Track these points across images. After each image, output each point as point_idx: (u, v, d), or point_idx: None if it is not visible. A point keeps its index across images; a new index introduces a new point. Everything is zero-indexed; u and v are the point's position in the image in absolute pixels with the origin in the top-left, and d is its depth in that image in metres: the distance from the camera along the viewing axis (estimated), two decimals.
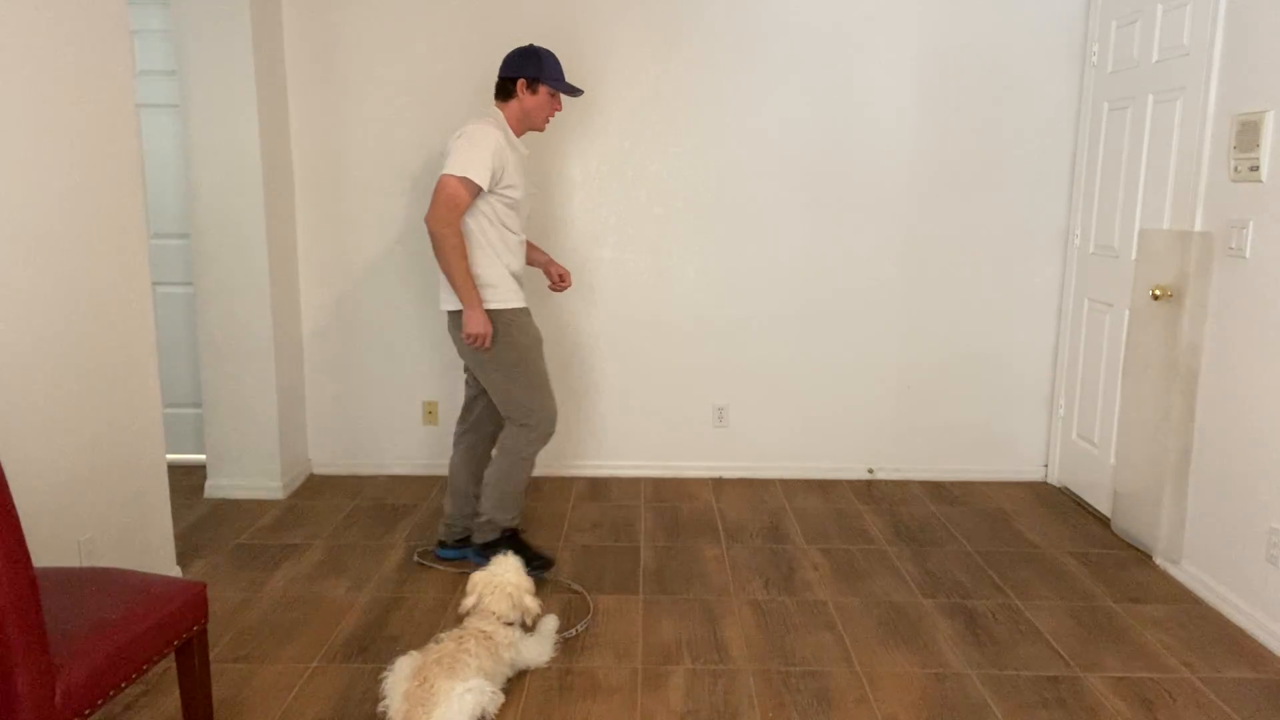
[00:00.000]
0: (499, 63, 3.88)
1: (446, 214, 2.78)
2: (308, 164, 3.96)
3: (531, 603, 2.51)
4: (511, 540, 3.10)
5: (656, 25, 3.85)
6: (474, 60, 3.87)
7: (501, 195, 2.89)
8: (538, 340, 3.04)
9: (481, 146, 2.80)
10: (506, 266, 2.95)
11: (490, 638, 2.39)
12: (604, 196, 3.98)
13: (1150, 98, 3.38)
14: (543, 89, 2.95)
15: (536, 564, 3.08)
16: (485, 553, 3.04)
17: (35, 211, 2.36)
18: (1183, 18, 3.17)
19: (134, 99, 2.74)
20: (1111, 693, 2.46)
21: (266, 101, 3.67)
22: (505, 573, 2.53)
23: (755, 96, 3.89)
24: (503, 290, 2.94)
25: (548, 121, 3.02)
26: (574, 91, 3.03)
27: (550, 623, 2.69)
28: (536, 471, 4.17)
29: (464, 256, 2.82)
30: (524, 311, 3.01)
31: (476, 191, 2.82)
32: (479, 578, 2.53)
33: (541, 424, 3.04)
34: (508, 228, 2.95)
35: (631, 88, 3.89)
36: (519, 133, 2.99)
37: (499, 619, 2.45)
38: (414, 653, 2.34)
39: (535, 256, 3.32)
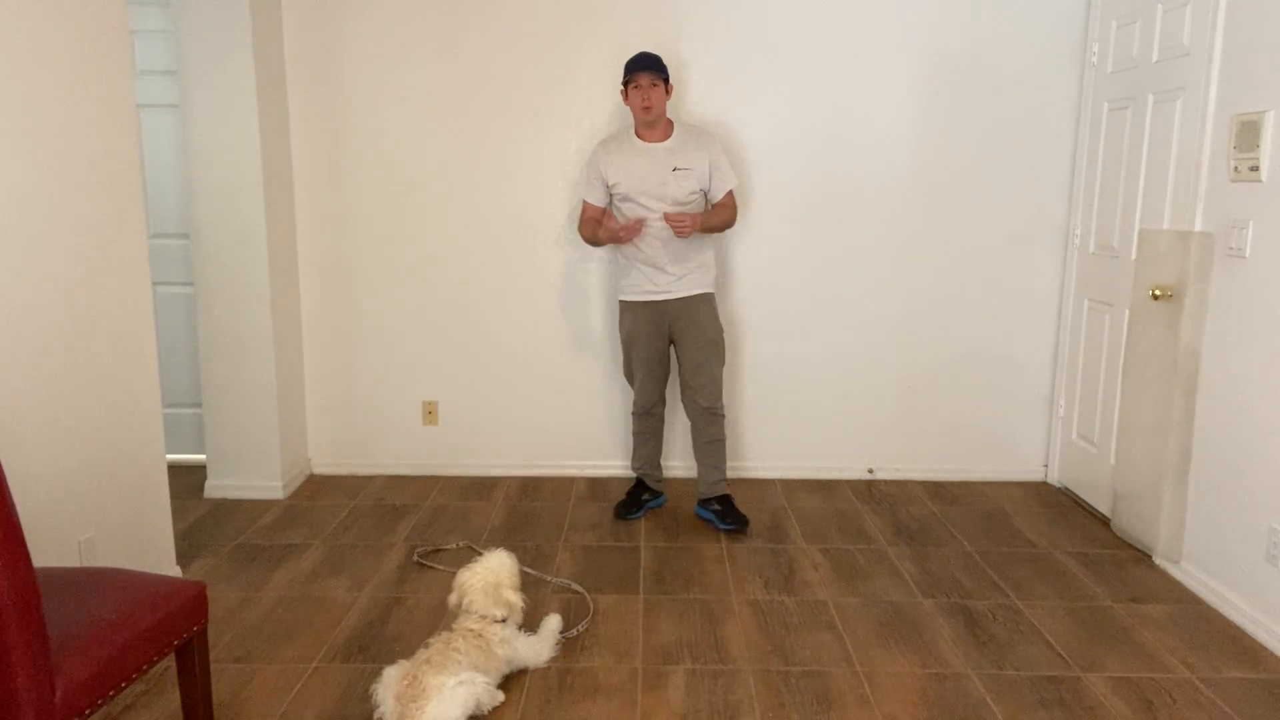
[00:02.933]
0: (495, 62, 3.88)
1: (580, 225, 3.59)
2: (308, 164, 3.96)
3: (513, 597, 2.49)
4: (634, 488, 3.77)
5: (655, 26, 3.84)
6: (473, 60, 3.87)
7: (616, 193, 3.46)
8: (630, 335, 3.56)
9: (584, 170, 3.64)
10: (633, 259, 3.48)
11: (480, 635, 2.39)
12: None
13: (1150, 98, 3.38)
14: (626, 91, 3.42)
15: (624, 510, 3.69)
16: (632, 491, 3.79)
17: (35, 211, 2.36)
18: (1183, 18, 3.17)
19: (134, 99, 2.74)
20: (1111, 693, 2.46)
21: (266, 101, 3.67)
22: (488, 569, 2.53)
23: (754, 97, 3.88)
24: (624, 286, 3.57)
25: (645, 109, 3.37)
26: (630, 71, 3.36)
27: (553, 622, 2.69)
28: (536, 471, 4.17)
29: (591, 237, 3.55)
30: (633, 306, 3.53)
31: (592, 204, 3.52)
32: (463, 576, 2.54)
33: (635, 390, 3.66)
34: (630, 218, 3.44)
35: None
36: (640, 131, 3.47)
37: (484, 617, 2.45)
38: (402, 661, 2.34)
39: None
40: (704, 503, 3.65)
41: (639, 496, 3.73)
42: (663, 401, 3.68)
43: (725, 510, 3.58)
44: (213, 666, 2.51)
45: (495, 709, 2.35)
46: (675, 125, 3.49)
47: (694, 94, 3.88)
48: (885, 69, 3.87)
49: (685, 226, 3.33)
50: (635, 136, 3.47)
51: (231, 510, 3.71)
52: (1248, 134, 2.82)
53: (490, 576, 2.50)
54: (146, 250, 2.81)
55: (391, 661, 2.45)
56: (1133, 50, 3.50)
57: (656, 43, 3.84)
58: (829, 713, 2.36)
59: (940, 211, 3.98)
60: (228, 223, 3.66)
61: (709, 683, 2.49)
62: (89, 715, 1.76)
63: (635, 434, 3.74)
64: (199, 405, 4.16)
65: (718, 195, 3.52)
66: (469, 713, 2.22)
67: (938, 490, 4.03)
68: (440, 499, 3.88)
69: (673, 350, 3.62)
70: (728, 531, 3.53)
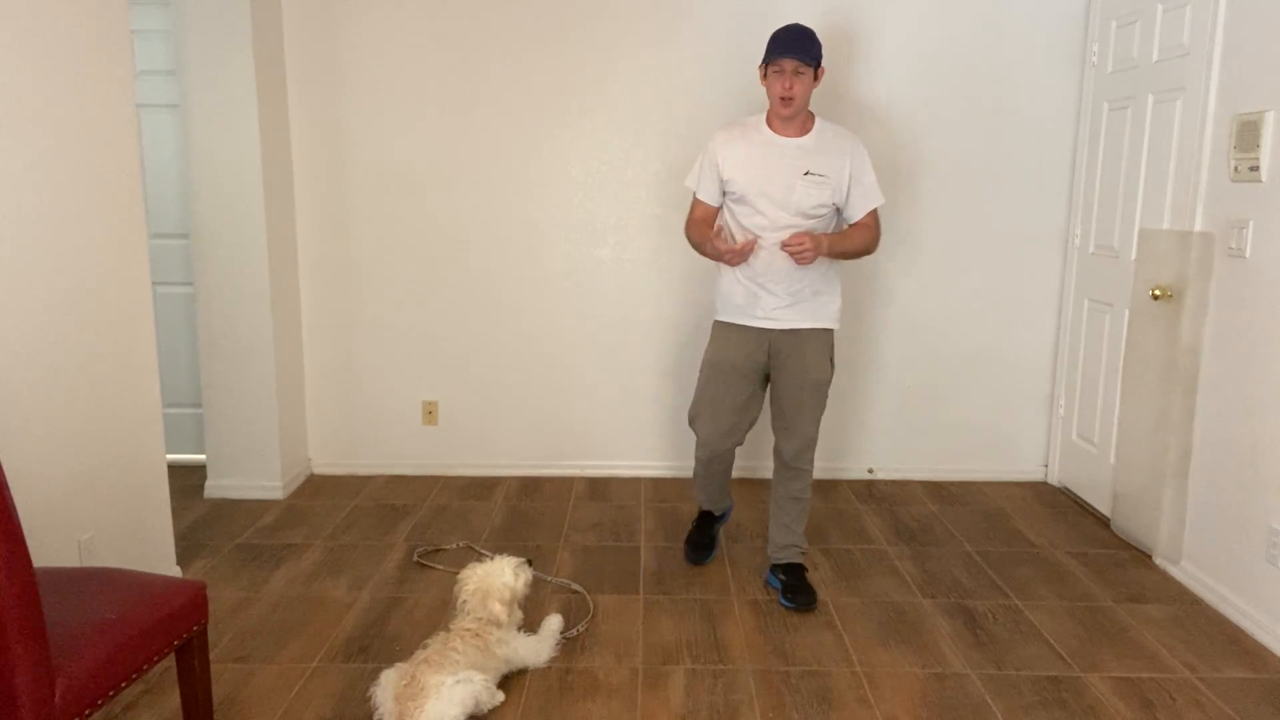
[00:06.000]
0: (496, 60, 3.88)
1: (687, 224, 2.98)
2: (308, 164, 3.96)
3: (497, 609, 2.45)
4: (702, 518, 3.29)
5: (656, 25, 3.84)
6: (474, 59, 3.87)
7: (729, 192, 2.88)
8: (717, 362, 2.93)
9: (698, 159, 2.95)
10: (737, 272, 2.87)
11: (478, 635, 2.39)
12: (604, 196, 3.98)
13: (1150, 98, 3.38)
14: (765, 72, 2.82)
15: (696, 552, 3.23)
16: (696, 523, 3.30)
17: (35, 212, 2.35)
18: (1183, 18, 3.17)
19: (134, 99, 2.74)
20: (1111, 693, 2.46)
21: (266, 101, 3.67)
22: (486, 574, 2.51)
23: (754, 95, 3.88)
24: (719, 303, 2.97)
25: (784, 100, 2.76)
26: (773, 53, 2.75)
27: (553, 622, 2.69)
28: (536, 471, 4.17)
29: (700, 243, 2.88)
30: (728, 329, 2.93)
31: (704, 201, 2.92)
32: (464, 576, 2.53)
33: (698, 432, 3.01)
34: (744, 226, 2.85)
35: (632, 87, 3.89)
36: (774, 122, 2.85)
37: (480, 618, 2.44)
38: (400, 664, 2.33)
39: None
40: (773, 569, 3.05)
41: (710, 529, 3.25)
42: (733, 451, 3.04)
43: (792, 583, 2.95)
44: (213, 666, 2.51)
45: (495, 709, 2.35)
46: (816, 121, 2.87)
47: (695, 93, 3.88)
48: (884, 69, 3.87)
49: (808, 253, 2.69)
50: (766, 125, 2.85)
51: (231, 510, 3.71)
52: (1248, 134, 2.82)
53: (483, 583, 2.49)
54: (146, 250, 2.81)
55: (391, 662, 2.45)
56: (1133, 50, 3.50)
57: (656, 43, 3.85)
58: (829, 713, 2.36)
59: (940, 211, 3.98)
60: (228, 223, 3.66)
61: (709, 683, 2.49)
62: (89, 715, 1.75)
63: (702, 476, 3.13)
64: (199, 405, 4.16)
65: (856, 214, 2.86)
66: (468, 711, 2.22)
67: (938, 490, 4.03)
68: (440, 499, 3.88)
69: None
70: (788, 609, 2.92)
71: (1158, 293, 3.20)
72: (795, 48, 2.72)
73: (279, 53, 3.81)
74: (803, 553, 3.05)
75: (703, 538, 3.25)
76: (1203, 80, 3.05)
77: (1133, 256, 3.46)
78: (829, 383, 2.92)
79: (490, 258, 4.02)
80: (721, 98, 3.88)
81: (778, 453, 2.99)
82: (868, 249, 2.88)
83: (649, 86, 3.89)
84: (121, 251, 2.69)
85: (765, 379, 2.95)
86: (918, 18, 3.84)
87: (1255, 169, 2.79)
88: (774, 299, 2.84)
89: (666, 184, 3.94)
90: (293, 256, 3.98)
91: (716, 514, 3.27)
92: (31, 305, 2.35)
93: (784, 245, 2.71)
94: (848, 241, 2.84)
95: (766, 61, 2.77)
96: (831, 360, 2.93)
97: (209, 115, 3.59)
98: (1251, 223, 2.83)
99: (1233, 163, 2.90)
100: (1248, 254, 2.84)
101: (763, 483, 4.06)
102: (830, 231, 2.87)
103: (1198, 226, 3.08)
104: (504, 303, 4.06)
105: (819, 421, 2.95)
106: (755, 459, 4.15)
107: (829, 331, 2.90)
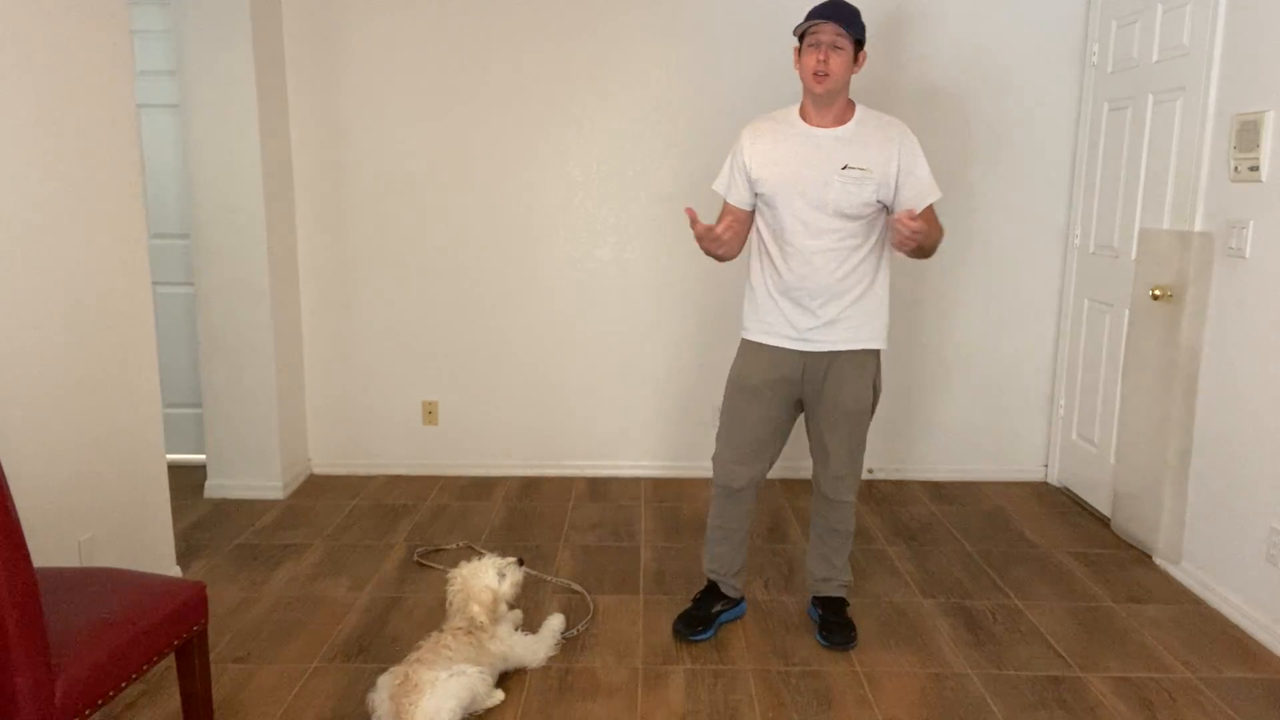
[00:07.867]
0: (496, 60, 3.88)
1: None
2: (308, 164, 3.96)
3: (476, 611, 2.42)
4: (705, 592, 2.80)
5: (657, 25, 3.84)
6: (473, 59, 3.87)
7: (760, 193, 2.54)
8: (740, 383, 2.62)
9: (727, 161, 2.63)
10: (767, 284, 2.57)
11: (470, 633, 2.39)
12: (604, 196, 3.98)
13: (1150, 98, 3.38)
14: (800, 47, 2.49)
15: (688, 627, 2.71)
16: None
17: (35, 211, 2.35)
18: (1183, 18, 3.17)
19: (134, 99, 2.74)
20: (1111, 693, 2.46)
21: (266, 101, 3.67)
22: (472, 574, 2.49)
23: (759, 94, 3.88)
24: (747, 319, 2.64)
25: (818, 76, 2.43)
26: (809, 17, 2.43)
27: (555, 622, 2.69)
28: (536, 471, 4.17)
29: (715, 253, 2.52)
30: (757, 349, 2.60)
31: (732, 204, 2.59)
32: (451, 575, 2.52)
33: (715, 465, 2.72)
34: (774, 231, 2.54)
35: (632, 88, 3.89)
36: (807, 111, 2.55)
37: (469, 619, 2.44)
38: (393, 667, 2.33)
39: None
40: (813, 601, 2.83)
41: (709, 608, 2.74)
42: (755, 486, 2.71)
43: (830, 619, 2.72)
44: (213, 666, 2.51)
45: (495, 709, 2.35)
46: (857, 109, 2.56)
47: (695, 93, 3.88)
48: (884, 68, 3.87)
49: (916, 234, 2.29)
50: (799, 117, 2.55)
51: (231, 510, 3.71)
52: (1248, 134, 2.82)
53: (465, 586, 2.46)
54: (146, 250, 2.81)
55: (392, 661, 2.45)
56: (1133, 50, 3.50)
57: (656, 43, 3.84)
58: (829, 713, 2.36)
59: (940, 211, 3.95)
60: (228, 223, 3.66)
61: (709, 683, 2.49)
62: (89, 715, 1.75)
63: (711, 524, 2.77)
64: (199, 405, 4.16)
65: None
66: (464, 704, 2.22)
67: (938, 490, 4.03)
68: (440, 499, 3.88)
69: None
70: (825, 648, 2.68)
71: (1158, 293, 3.20)
72: (834, 12, 2.40)
73: (279, 53, 3.81)
74: (845, 586, 2.79)
75: (699, 612, 2.74)
76: (1203, 80, 3.05)
77: (1133, 256, 3.46)
78: (871, 411, 2.61)
79: (490, 258, 4.02)
80: (723, 97, 3.88)
81: (815, 482, 2.73)
82: (936, 246, 2.54)
83: (649, 86, 3.89)
84: (121, 251, 2.69)
85: (796, 405, 2.66)
86: (917, 17, 3.83)
87: (1255, 169, 2.79)
88: (812, 318, 2.52)
89: (666, 184, 3.94)
90: (293, 256, 3.98)
91: (723, 589, 2.78)
92: (31, 305, 2.35)
93: (899, 220, 2.28)
94: (936, 233, 2.49)
95: (802, 32, 2.45)
96: (876, 386, 2.61)
97: (209, 115, 3.59)
98: (1251, 223, 2.83)
99: (1233, 163, 2.90)
100: (1248, 254, 2.84)
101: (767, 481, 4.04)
102: (876, 236, 2.55)
103: (1198, 226, 3.08)
104: (504, 303, 4.06)
105: (861, 453, 2.65)
106: None
107: (875, 353, 2.57)
